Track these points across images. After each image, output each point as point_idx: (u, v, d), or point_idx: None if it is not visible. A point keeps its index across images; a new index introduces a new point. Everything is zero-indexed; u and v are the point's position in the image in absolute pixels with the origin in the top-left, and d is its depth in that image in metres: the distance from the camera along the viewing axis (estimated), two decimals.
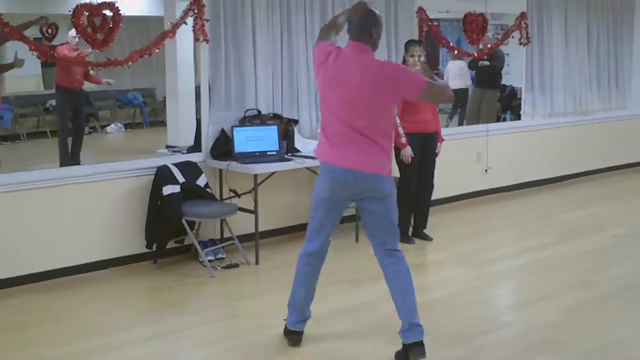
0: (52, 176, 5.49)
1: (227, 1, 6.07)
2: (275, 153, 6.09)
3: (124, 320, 4.77)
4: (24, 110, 10.85)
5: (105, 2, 5.40)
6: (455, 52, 8.24)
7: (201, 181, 5.91)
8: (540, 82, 8.78)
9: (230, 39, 6.15)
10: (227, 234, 6.09)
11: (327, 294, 4.98)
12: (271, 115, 6.31)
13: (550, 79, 8.84)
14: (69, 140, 7.95)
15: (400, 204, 6.41)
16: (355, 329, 4.53)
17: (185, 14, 5.83)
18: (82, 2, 5.40)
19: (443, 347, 4.26)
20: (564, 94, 9.03)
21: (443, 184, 7.15)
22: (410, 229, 6.55)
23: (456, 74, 10.56)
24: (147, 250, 5.81)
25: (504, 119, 10.89)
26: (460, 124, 10.36)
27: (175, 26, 5.80)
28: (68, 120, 7.93)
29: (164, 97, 7.51)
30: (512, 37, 8.49)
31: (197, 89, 6.54)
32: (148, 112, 12.87)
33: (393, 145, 6.28)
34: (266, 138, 6.07)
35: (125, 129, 12.37)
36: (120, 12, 5.44)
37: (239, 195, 5.99)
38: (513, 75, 10.27)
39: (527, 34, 8.42)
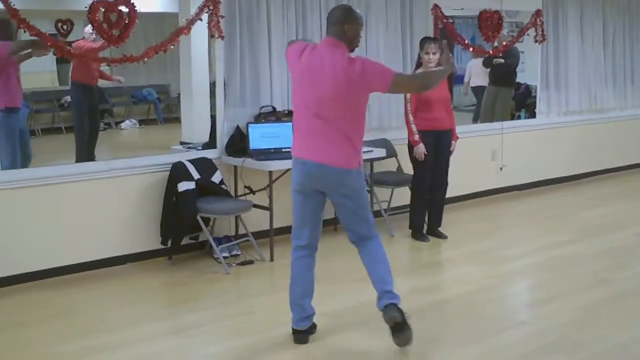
0: (69, 172, 5.51)
1: None
2: (290, 150, 6.06)
3: (139, 315, 4.78)
4: (39, 106, 10.89)
5: None
6: (470, 49, 8.20)
7: (216, 178, 5.91)
8: (555, 79, 8.72)
9: (245, 35, 6.15)
10: (241, 231, 6.09)
11: (336, 292, 4.99)
12: (286, 112, 6.30)
13: (565, 76, 8.79)
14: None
15: (414, 201, 6.52)
16: (364, 327, 4.51)
17: (201, 10, 5.83)
18: None
19: (457, 346, 4.24)
20: (579, 91, 8.97)
21: (458, 181, 7.13)
22: (425, 226, 6.52)
23: (478, 71, 10.47)
24: (162, 247, 5.82)
25: (519, 117, 10.84)
26: (475, 121, 10.32)
27: (191, 22, 5.80)
28: (85, 116, 7.96)
29: (178, 94, 7.51)
30: (527, 34, 8.44)
31: (212, 85, 6.54)
32: (162, 109, 12.90)
33: (408, 141, 6.29)
34: (281, 135, 6.06)
35: (140, 125, 12.40)
36: (135, 8, 5.45)
37: (253, 192, 5.99)
38: (528, 73, 10.22)
39: (542, 31, 8.37)
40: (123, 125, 12.15)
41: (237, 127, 6.14)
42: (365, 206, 4.19)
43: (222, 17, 5.92)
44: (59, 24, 11.29)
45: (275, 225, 5.94)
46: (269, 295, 5.21)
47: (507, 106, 9.97)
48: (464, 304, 4.98)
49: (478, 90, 10.66)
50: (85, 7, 5.33)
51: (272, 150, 6.03)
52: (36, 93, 11.08)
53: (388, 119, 7.15)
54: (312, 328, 4.31)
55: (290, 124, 6.07)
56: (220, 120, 6.15)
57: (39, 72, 10.36)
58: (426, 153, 6.23)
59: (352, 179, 4.05)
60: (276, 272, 5.72)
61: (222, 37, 5.97)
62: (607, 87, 9.36)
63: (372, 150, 6.37)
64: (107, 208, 5.62)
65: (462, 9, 8.97)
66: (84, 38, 7.74)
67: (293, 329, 4.27)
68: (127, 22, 5.44)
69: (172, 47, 5.78)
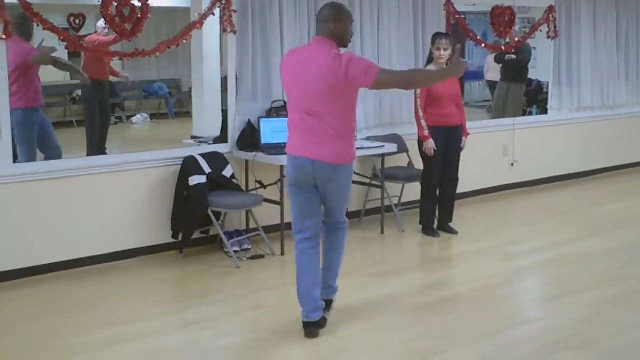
0: (80, 165, 5.53)
1: None
2: None
3: (150, 308, 4.80)
4: (50, 99, 10.93)
5: None
6: (482, 45, 8.17)
7: (227, 172, 5.92)
8: (567, 75, 8.67)
9: (257, 29, 6.15)
10: (252, 225, 6.10)
11: (353, 286, 4.99)
12: None
13: (577, 72, 8.73)
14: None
15: (424, 197, 6.51)
16: (381, 320, 4.52)
17: (213, 4, 5.83)
18: None
19: (468, 341, 4.24)
20: (591, 87, 8.92)
21: (469, 177, 7.12)
22: (435, 221, 6.52)
23: (494, 66, 10.45)
24: (173, 240, 5.83)
25: (530, 113, 10.81)
26: (489, 113, 10.31)
27: (203, 17, 5.80)
28: (96, 109, 7.99)
29: (190, 88, 7.54)
30: (540, 30, 8.40)
31: (223, 79, 6.55)
32: (173, 103, 12.94)
33: (417, 136, 6.28)
34: None
35: (151, 119, 12.44)
36: (148, 2, 5.45)
37: (264, 186, 6.00)
38: (539, 68, 10.18)
39: (554, 27, 8.33)
40: (134, 119, 12.20)
41: (249, 122, 6.14)
42: (347, 197, 4.42)
43: (235, 11, 5.92)
44: (71, 18, 11.35)
45: (285, 220, 5.91)
46: (280, 289, 5.21)
47: (519, 102, 9.95)
48: (475, 299, 4.97)
49: (493, 85, 10.65)
50: (98, 1, 5.33)
51: (283, 145, 5.95)
52: (47, 87, 11.10)
53: (399, 114, 7.14)
54: (323, 321, 4.32)
55: None
56: (231, 115, 6.15)
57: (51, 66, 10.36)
58: (435, 149, 6.22)
59: (342, 175, 4.22)
60: (286, 266, 5.71)
61: (234, 32, 5.97)
62: (620, 83, 9.31)
63: (383, 145, 6.37)
64: (118, 201, 5.63)
65: (474, 4, 8.95)
66: (96, 32, 7.77)
67: (304, 322, 4.28)
68: (139, 15, 5.44)
69: (184, 41, 5.79)
